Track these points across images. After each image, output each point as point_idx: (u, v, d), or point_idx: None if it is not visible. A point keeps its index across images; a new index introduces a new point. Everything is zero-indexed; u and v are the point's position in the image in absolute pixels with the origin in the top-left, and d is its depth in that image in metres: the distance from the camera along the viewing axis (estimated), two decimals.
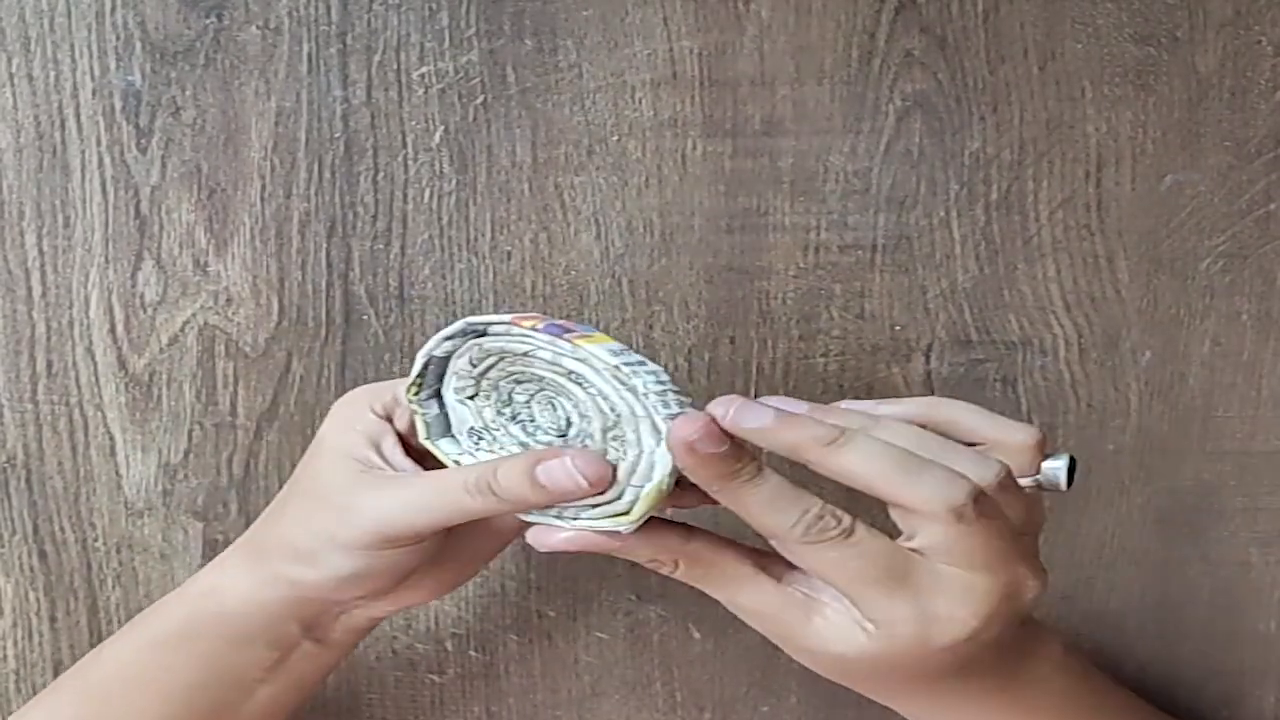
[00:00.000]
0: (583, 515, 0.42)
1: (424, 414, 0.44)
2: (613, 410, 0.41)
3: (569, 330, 0.41)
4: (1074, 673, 0.47)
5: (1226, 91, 0.52)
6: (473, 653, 0.56)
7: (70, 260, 0.53)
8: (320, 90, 0.52)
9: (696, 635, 0.56)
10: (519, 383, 0.43)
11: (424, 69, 0.52)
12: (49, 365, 0.54)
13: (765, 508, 0.40)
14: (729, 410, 0.39)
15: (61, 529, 0.55)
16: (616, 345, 0.41)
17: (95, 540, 0.55)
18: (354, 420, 0.45)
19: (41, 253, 0.53)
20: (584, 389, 0.41)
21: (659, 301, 0.53)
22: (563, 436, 0.43)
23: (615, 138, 0.52)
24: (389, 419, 0.45)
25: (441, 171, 0.52)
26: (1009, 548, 0.40)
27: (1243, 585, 0.56)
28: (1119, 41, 0.51)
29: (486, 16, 0.51)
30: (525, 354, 0.42)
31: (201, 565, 0.55)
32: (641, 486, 0.41)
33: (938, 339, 0.53)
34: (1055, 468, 0.44)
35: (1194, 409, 0.54)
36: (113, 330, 0.53)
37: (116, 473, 0.55)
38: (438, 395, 0.44)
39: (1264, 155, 0.52)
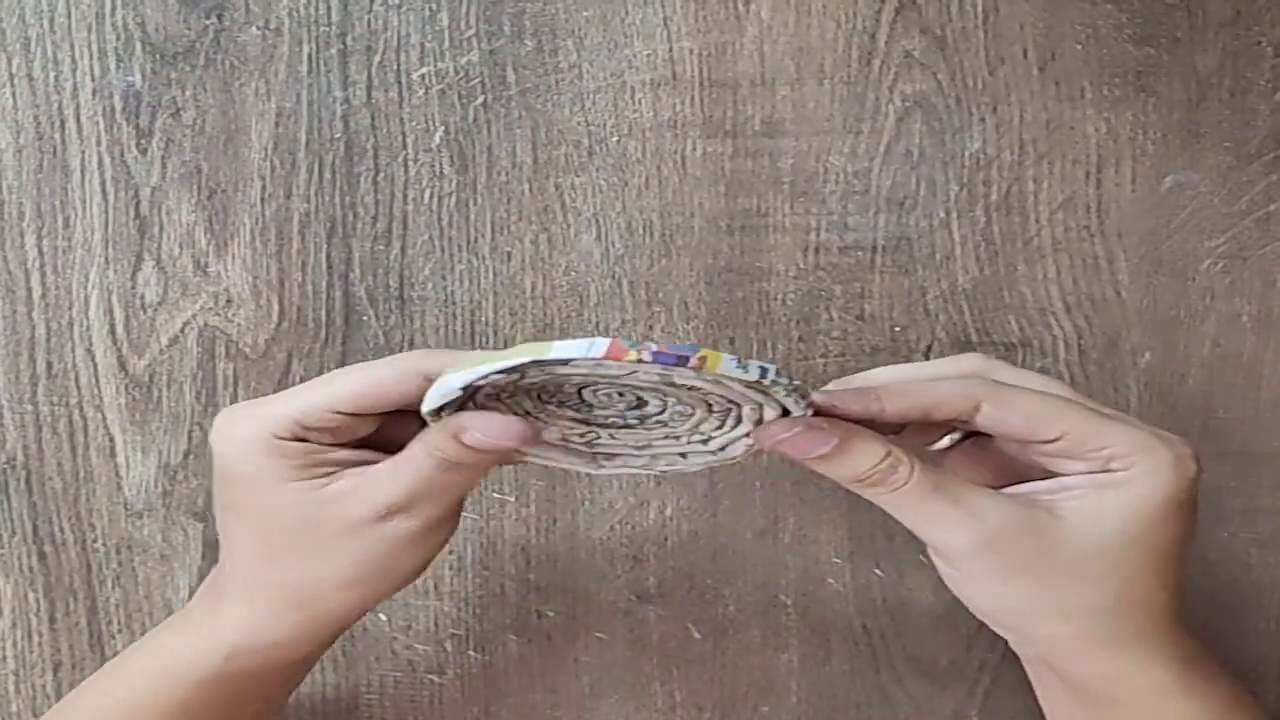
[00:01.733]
0: (677, 462, 0.42)
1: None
2: (730, 403, 0.39)
3: (686, 352, 0.36)
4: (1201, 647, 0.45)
5: (1226, 92, 0.52)
6: (472, 653, 0.56)
7: (70, 261, 0.53)
8: (320, 91, 0.52)
9: (696, 635, 0.56)
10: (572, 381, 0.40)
11: (424, 70, 0.52)
12: (49, 366, 0.54)
13: (932, 389, 0.41)
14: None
15: (61, 530, 0.55)
16: (732, 358, 0.37)
17: (95, 541, 0.55)
18: (280, 457, 0.41)
19: (41, 253, 0.53)
20: (693, 392, 0.39)
21: (659, 302, 0.53)
22: (632, 409, 0.41)
23: (615, 138, 0.52)
24: (299, 438, 0.41)
25: (442, 172, 0.52)
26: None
27: (1243, 585, 0.56)
28: (1119, 42, 0.51)
29: (486, 17, 0.51)
30: (619, 376, 0.38)
31: (201, 566, 0.55)
32: (760, 413, 0.40)
33: (938, 340, 0.53)
34: None
35: (1194, 410, 0.54)
36: (113, 331, 0.53)
37: (116, 474, 0.54)
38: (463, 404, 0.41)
39: (1264, 156, 0.52)
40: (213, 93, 0.52)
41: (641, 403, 0.41)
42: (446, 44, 0.51)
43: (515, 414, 0.41)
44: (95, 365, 0.53)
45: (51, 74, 0.52)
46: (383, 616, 0.56)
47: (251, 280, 0.53)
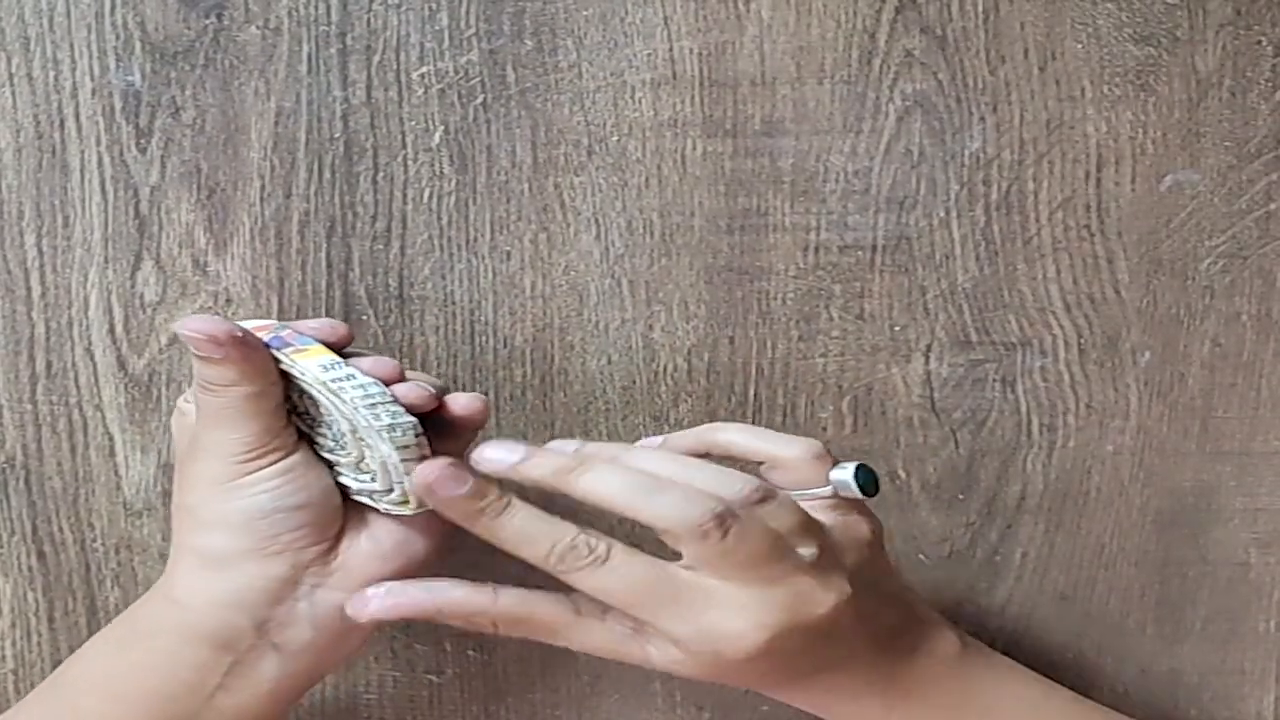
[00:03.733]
0: (379, 499, 0.45)
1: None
2: (343, 418, 0.43)
3: (288, 344, 0.44)
4: (974, 669, 0.47)
5: (1226, 92, 0.52)
6: (471, 653, 0.56)
7: (70, 260, 0.53)
8: (320, 90, 0.52)
9: None
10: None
11: (424, 69, 0.52)
12: (48, 366, 0.54)
13: (518, 539, 0.42)
14: (475, 451, 0.43)
15: (60, 529, 0.55)
16: (329, 359, 0.43)
17: (94, 541, 0.55)
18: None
19: (41, 253, 0.53)
20: (318, 397, 0.43)
21: (659, 301, 0.53)
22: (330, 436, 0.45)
23: (615, 138, 0.52)
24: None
25: (441, 172, 0.52)
26: (779, 560, 0.41)
27: (1242, 586, 0.56)
28: (1119, 41, 0.51)
29: (486, 16, 0.51)
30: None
31: None
32: (403, 482, 0.43)
33: (937, 339, 0.53)
34: (842, 478, 0.45)
35: (1194, 410, 0.54)
36: (112, 330, 0.53)
37: (116, 473, 0.54)
38: None
39: (1264, 155, 0.52)
40: (212, 92, 0.52)
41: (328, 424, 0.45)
42: (446, 43, 0.51)
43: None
44: (95, 364, 0.53)
45: (51, 73, 0.52)
46: None
47: (251, 279, 0.53)
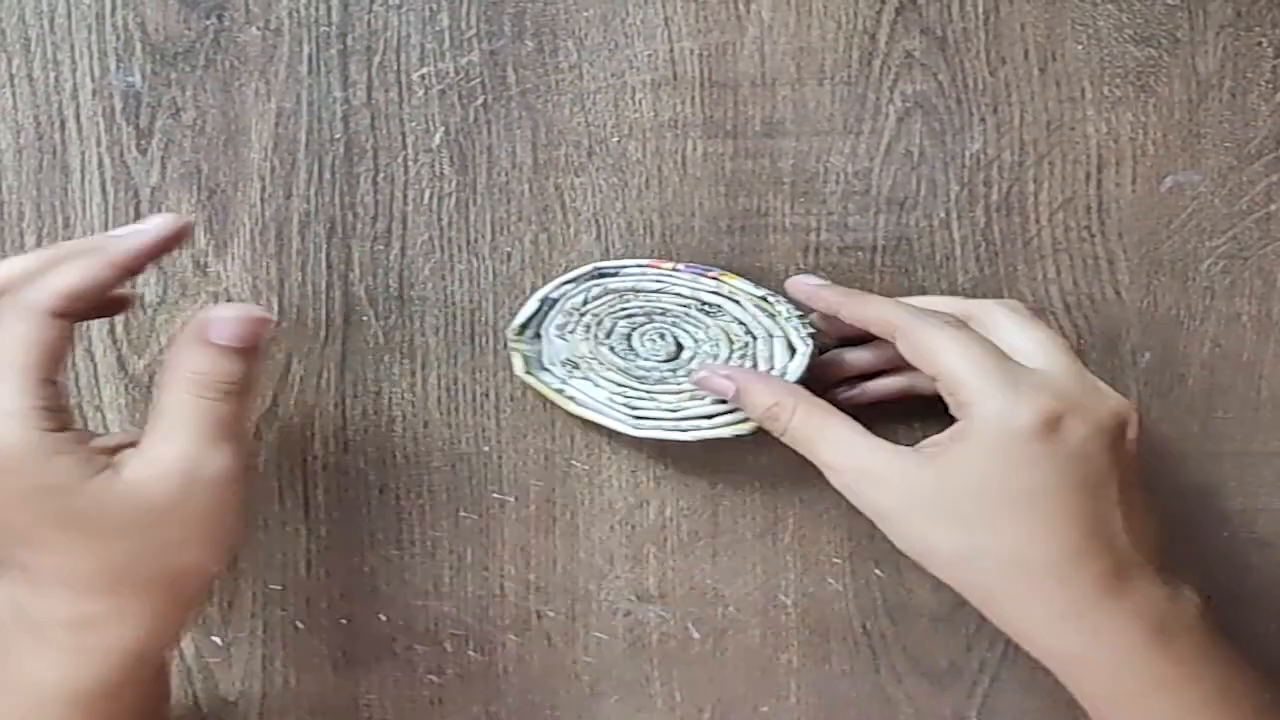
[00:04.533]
0: (703, 427, 0.49)
1: (523, 350, 0.51)
2: (748, 333, 0.49)
3: (709, 269, 0.50)
4: (1214, 631, 0.44)
5: (1227, 93, 0.52)
6: (472, 653, 0.56)
7: None
8: (320, 91, 0.52)
9: (696, 635, 0.56)
10: (626, 316, 0.50)
11: (424, 70, 0.52)
12: None
13: (881, 306, 0.47)
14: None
15: None
16: (752, 283, 0.50)
17: None
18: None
19: None
20: (714, 319, 0.50)
21: None
22: (667, 362, 0.50)
23: (615, 138, 0.52)
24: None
25: (442, 172, 0.52)
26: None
27: (1242, 587, 0.56)
28: (1119, 43, 0.51)
29: (487, 17, 0.51)
30: (657, 290, 0.50)
31: None
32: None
33: None
34: None
35: (1194, 410, 0.54)
36: (112, 331, 0.53)
37: None
38: (536, 333, 0.51)
39: (1264, 156, 0.52)
40: (213, 93, 0.52)
41: (678, 350, 0.50)
42: (447, 44, 0.51)
43: (570, 360, 0.51)
44: (95, 365, 0.53)
45: (51, 74, 0.52)
46: (382, 616, 0.56)
47: (251, 280, 0.53)
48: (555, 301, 0.51)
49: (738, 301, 0.49)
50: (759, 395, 0.47)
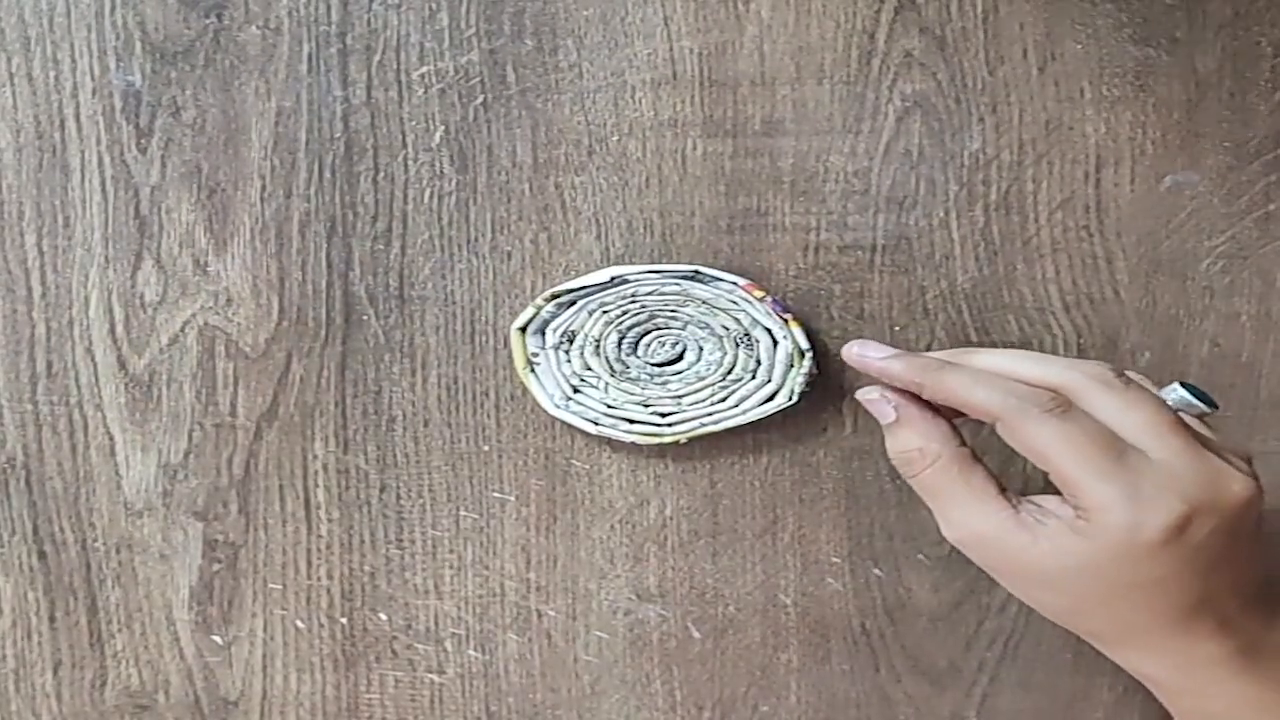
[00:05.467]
0: (750, 409, 0.52)
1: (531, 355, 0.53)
2: (741, 328, 0.52)
3: (787, 310, 0.52)
4: None
5: (1226, 92, 0.52)
6: (472, 652, 0.56)
7: (70, 260, 0.53)
8: (320, 90, 0.52)
9: (696, 635, 0.56)
10: (653, 316, 0.52)
11: (424, 69, 0.52)
12: (49, 365, 0.54)
13: (969, 388, 0.44)
14: (845, 347, 0.48)
15: (61, 529, 0.55)
16: (805, 334, 0.52)
17: (95, 540, 0.55)
18: None
19: (41, 253, 0.53)
20: (708, 314, 0.52)
21: None
22: (669, 364, 0.53)
23: (615, 138, 0.52)
24: None
25: (442, 171, 0.52)
26: (1203, 443, 0.43)
27: None
28: (1118, 42, 0.51)
29: (486, 16, 0.51)
30: (724, 309, 0.52)
31: (201, 565, 0.55)
32: (805, 367, 0.52)
33: (937, 339, 0.53)
34: (1183, 396, 0.45)
35: None
36: (113, 330, 0.53)
37: (116, 473, 0.54)
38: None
39: (1263, 156, 0.52)
40: (213, 92, 0.52)
41: (680, 354, 0.53)
42: (446, 43, 0.51)
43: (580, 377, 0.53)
44: (95, 364, 0.53)
45: (51, 73, 0.52)
46: (383, 616, 0.56)
47: (251, 279, 0.53)
48: (579, 337, 0.53)
49: (724, 299, 0.52)
50: (906, 438, 0.45)
